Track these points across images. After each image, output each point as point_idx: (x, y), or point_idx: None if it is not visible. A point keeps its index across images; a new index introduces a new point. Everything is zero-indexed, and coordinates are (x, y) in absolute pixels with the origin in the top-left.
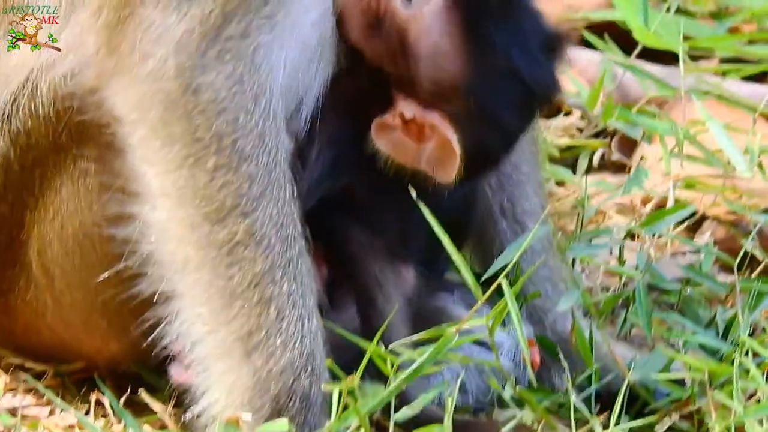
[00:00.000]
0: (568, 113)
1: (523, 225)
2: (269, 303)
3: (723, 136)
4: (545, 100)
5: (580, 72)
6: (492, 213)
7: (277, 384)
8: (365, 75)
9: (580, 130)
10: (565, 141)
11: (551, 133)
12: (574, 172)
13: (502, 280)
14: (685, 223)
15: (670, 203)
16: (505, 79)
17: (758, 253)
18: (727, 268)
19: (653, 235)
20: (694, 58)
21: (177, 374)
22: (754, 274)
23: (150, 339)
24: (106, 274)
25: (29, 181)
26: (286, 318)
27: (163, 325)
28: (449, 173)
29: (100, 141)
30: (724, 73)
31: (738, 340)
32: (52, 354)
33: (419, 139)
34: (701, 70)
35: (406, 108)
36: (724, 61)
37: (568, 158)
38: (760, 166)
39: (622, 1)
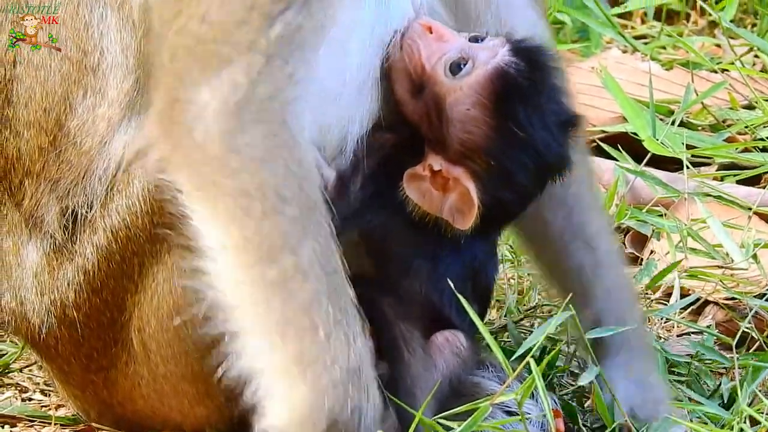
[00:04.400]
0: None
1: (594, 244)
2: (317, 327)
3: (722, 232)
4: (558, 170)
5: (597, 178)
6: (563, 238)
7: (329, 398)
8: (404, 129)
9: None
10: None
11: None
12: None
13: (530, 359)
14: (690, 308)
15: (676, 291)
16: (523, 149)
17: (754, 334)
18: (726, 347)
19: (662, 319)
20: (696, 164)
21: None
22: (751, 351)
23: (230, 399)
24: (193, 346)
25: (129, 269)
26: (333, 339)
27: (232, 361)
28: (467, 222)
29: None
30: (722, 178)
31: (739, 409)
32: (143, 422)
33: (444, 190)
34: (702, 175)
35: (435, 161)
36: (722, 167)
37: None
38: (754, 257)
39: (634, 116)
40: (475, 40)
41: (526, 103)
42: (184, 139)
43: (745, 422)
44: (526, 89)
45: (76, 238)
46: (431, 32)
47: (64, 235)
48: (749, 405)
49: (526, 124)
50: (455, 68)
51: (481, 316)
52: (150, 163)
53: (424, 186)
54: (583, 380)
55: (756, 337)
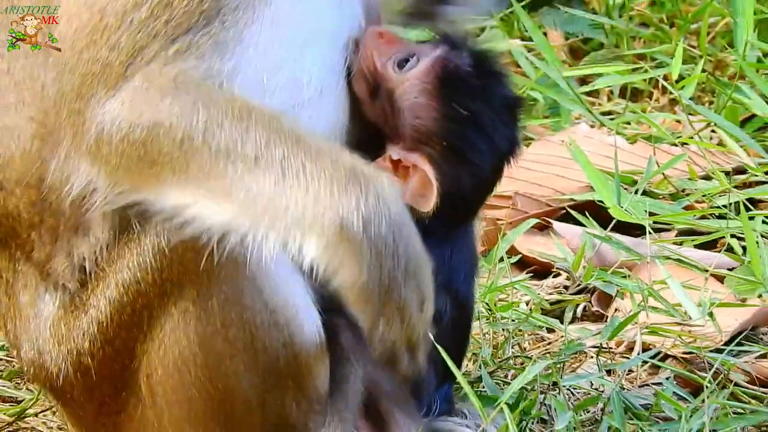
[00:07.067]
0: (557, 275)
1: None
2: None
3: (680, 292)
4: (508, 152)
5: (567, 242)
6: None
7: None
8: (365, 129)
9: (566, 288)
10: (554, 297)
11: (543, 290)
12: (562, 321)
13: (504, 406)
14: (650, 362)
15: (637, 346)
16: (471, 129)
17: (708, 384)
18: (682, 398)
19: (625, 371)
20: (657, 230)
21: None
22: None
23: None
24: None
25: (139, 320)
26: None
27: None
28: (428, 203)
29: (198, 282)
30: (681, 243)
31: None
32: None
33: (404, 178)
34: (663, 240)
35: (393, 152)
36: (681, 233)
37: (557, 310)
38: (710, 315)
39: (600, 185)
40: (421, 42)
41: (467, 85)
42: (104, 147)
43: None
44: (466, 74)
45: (90, 290)
46: (382, 37)
47: (78, 285)
48: None
49: (469, 104)
50: (402, 63)
51: (462, 341)
52: (101, 194)
53: None
54: (559, 425)
55: (711, 387)
